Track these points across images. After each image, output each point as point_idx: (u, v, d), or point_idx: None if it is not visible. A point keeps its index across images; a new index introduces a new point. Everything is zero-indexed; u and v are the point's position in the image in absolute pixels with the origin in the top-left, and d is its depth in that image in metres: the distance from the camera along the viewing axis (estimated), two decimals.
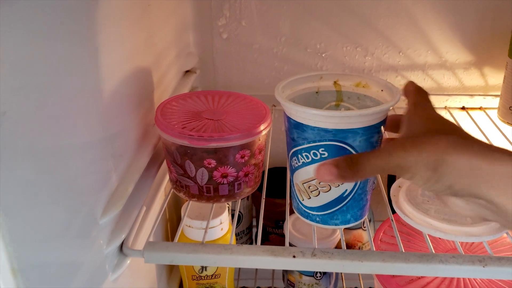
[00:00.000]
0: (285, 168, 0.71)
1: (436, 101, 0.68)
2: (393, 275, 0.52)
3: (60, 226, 0.32)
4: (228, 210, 0.59)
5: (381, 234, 0.58)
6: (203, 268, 0.58)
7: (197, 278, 0.58)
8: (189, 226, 0.56)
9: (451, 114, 0.67)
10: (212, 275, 0.58)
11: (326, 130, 0.39)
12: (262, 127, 0.46)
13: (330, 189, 0.42)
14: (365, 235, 0.68)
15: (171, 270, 0.64)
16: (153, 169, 0.50)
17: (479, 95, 0.67)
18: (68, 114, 0.32)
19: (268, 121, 0.47)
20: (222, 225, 0.56)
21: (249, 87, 0.71)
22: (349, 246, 0.68)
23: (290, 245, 0.60)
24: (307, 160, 0.41)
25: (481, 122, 0.64)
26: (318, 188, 0.42)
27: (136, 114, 0.48)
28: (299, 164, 0.42)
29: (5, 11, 0.24)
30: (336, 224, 0.44)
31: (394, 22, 0.65)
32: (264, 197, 0.52)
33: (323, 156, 0.40)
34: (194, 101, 0.51)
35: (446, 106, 0.68)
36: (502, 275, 0.39)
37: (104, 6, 0.38)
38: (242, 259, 0.41)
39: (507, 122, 0.61)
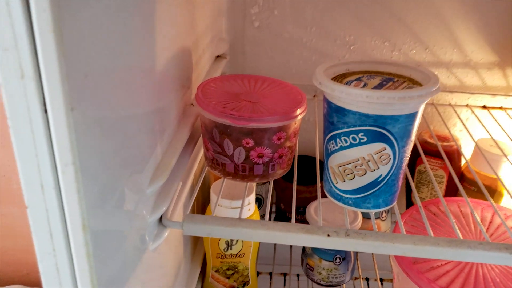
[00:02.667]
0: (307, 157, 0.73)
1: (458, 99, 0.70)
2: (414, 262, 0.53)
3: (118, 192, 0.34)
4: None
5: (403, 223, 0.59)
6: (229, 246, 0.59)
7: (221, 256, 0.60)
8: (219, 205, 0.57)
9: (472, 111, 0.68)
10: (236, 254, 0.60)
11: (367, 116, 0.40)
12: (298, 112, 0.47)
13: (365, 173, 0.43)
14: (383, 225, 0.70)
15: (195, 247, 0.66)
16: (189, 146, 0.52)
17: (501, 95, 0.69)
18: (128, 87, 0.34)
19: (304, 106, 0.49)
20: (250, 205, 0.58)
21: (276, 75, 0.72)
22: None
23: None
24: (345, 144, 0.43)
25: (502, 122, 0.66)
26: (353, 172, 0.44)
27: (178, 92, 0.49)
28: (337, 147, 0.44)
29: None
30: (367, 208, 0.46)
31: (423, 19, 0.67)
32: (295, 183, 0.53)
33: (362, 140, 0.42)
34: (231, 83, 0.53)
35: (467, 104, 0.70)
36: None
37: None
38: (277, 235, 0.43)
39: None
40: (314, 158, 0.72)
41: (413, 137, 0.43)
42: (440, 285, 0.51)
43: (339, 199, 0.46)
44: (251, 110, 0.47)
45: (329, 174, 0.46)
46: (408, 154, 0.44)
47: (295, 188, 0.52)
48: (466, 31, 0.67)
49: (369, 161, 0.43)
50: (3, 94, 0.23)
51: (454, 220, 0.48)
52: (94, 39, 0.27)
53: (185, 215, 0.44)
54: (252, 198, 0.58)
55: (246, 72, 0.73)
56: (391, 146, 0.42)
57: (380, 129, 0.41)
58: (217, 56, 0.71)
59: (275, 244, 0.78)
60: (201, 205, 0.70)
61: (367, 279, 0.78)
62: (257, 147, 0.47)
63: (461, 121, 0.67)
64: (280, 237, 0.43)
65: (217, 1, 0.66)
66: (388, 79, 0.44)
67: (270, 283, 0.75)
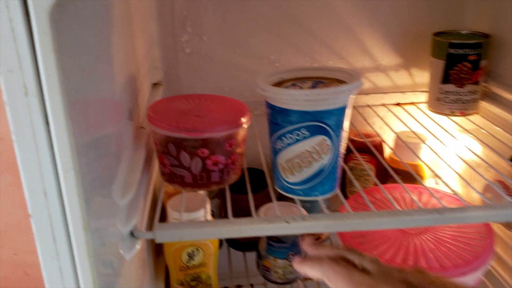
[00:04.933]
0: (249, 168, 0.78)
1: (374, 100, 0.80)
2: (360, 243, 0.60)
3: (104, 200, 0.37)
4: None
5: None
6: (191, 257, 0.62)
7: (184, 268, 0.63)
8: (177, 219, 0.61)
9: (388, 109, 0.78)
10: (199, 264, 0.63)
11: (307, 113, 0.47)
12: (244, 120, 0.53)
13: (311, 164, 0.50)
14: None
15: (157, 264, 0.68)
16: (146, 165, 0.55)
17: (410, 91, 0.79)
18: (99, 109, 0.38)
19: (248, 114, 0.54)
20: (207, 215, 0.62)
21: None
22: (315, 236, 0.75)
23: None
24: (291, 141, 0.49)
25: (414, 115, 0.76)
26: (301, 164, 0.50)
27: (131, 115, 0.53)
28: (283, 145, 0.50)
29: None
30: (316, 195, 0.52)
31: (334, 33, 0.76)
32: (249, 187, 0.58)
33: (305, 135, 0.48)
34: (178, 103, 0.57)
35: (383, 103, 0.79)
36: (455, 221, 0.48)
37: (111, 14, 0.44)
38: (243, 229, 0.47)
39: (436, 111, 0.74)
40: (255, 169, 0.78)
41: (346, 128, 0.51)
42: (385, 258, 0.58)
43: (290, 191, 0.52)
44: (202, 122, 0.51)
45: (278, 170, 0.52)
46: (343, 143, 0.51)
47: (250, 193, 0.57)
48: (372, 39, 0.77)
49: (313, 152, 0.49)
50: (8, 112, 0.26)
51: (390, 197, 0.55)
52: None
53: (155, 224, 0.47)
54: (208, 207, 0.62)
55: None
56: (330, 137, 0.48)
57: (319, 123, 0.47)
58: (154, 84, 0.75)
59: (229, 259, 0.82)
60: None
61: None
62: (212, 156, 0.52)
63: (380, 118, 0.77)
64: (246, 230, 0.48)
65: (150, 31, 0.71)
66: (318, 82, 0.51)
67: None
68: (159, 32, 0.74)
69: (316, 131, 0.48)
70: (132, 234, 0.47)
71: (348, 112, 0.49)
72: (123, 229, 0.44)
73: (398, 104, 0.80)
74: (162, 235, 0.46)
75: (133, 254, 0.46)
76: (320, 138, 0.48)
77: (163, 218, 0.65)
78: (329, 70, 0.53)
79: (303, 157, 0.49)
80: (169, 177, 0.54)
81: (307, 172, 0.50)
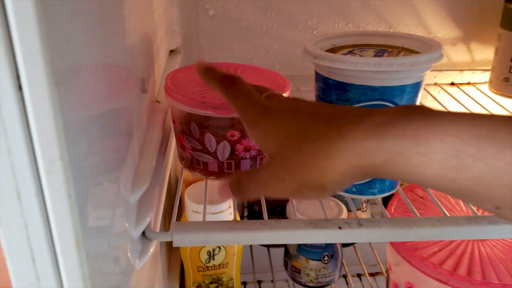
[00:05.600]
0: None
1: (427, 78, 0.68)
2: (415, 249, 0.50)
3: (103, 200, 0.27)
4: None
5: (392, 209, 0.56)
6: (211, 257, 0.53)
7: (203, 269, 0.54)
8: (196, 212, 0.51)
9: (442, 88, 0.67)
10: (220, 265, 0.54)
11: (373, 88, 0.36)
12: (285, 96, 0.43)
13: None
14: (364, 216, 0.67)
15: (170, 262, 0.59)
16: (161, 148, 0.46)
17: (468, 69, 0.68)
18: (95, 83, 0.27)
19: (289, 90, 0.44)
20: (231, 209, 0.52)
21: None
22: None
23: None
24: None
25: (473, 96, 0.65)
26: None
27: (144, 86, 0.42)
28: None
29: None
30: (373, 194, 0.42)
31: None
32: None
33: None
34: None
35: (436, 83, 0.69)
36: None
37: None
38: (284, 234, 0.37)
39: (501, 94, 0.62)
40: None
41: None
42: (446, 269, 0.48)
43: None
44: None
45: None
46: None
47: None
48: (428, 7, 0.65)
49: None
50: None
51: (437, 201, 0.45)
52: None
53: (172, 224, 0.37)
54: (234, 200, 0.52)
55: None
56: None
57: (387, 102, 0.37)
58: (171, 51, 0.65)
59: (251, 251, 0.72)
60: (166, 215, 0.62)
61: (358, 275, 0.74)
62: (243, 140, 0.41)
63: (433, 97, 0.66)
64: (286, 236, 0.38)
65: None
66: (382, 50, 0.40)
67: None
68: None
69: None
70: (144, 235, 0.37)
71: (422, 90, 0.39)
72: (134, 230, 0.35)
73: (453, 84, 0.69)
74: (181, 238, 0.37)
75: (146, 261, 0.37)
76: None
77: (179, 212, 0.55)
78: (395, 37, 0.42)
79: None
80: (190, 163, 0.44)
81: None
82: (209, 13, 0.65)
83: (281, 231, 0.37)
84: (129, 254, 0.35)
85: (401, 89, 0.36)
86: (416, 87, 0.37)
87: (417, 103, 0.39)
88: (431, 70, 0.68)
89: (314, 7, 0.65)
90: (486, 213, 0.47)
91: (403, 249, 0.50)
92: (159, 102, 0.49)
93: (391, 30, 0.67)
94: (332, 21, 0.66)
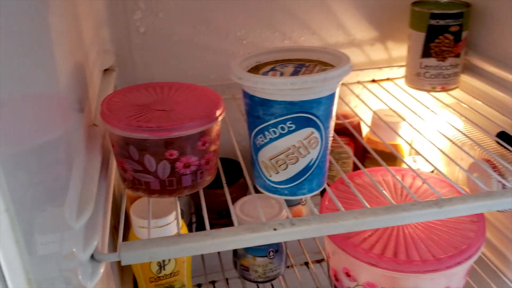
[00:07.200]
0: (222, 159, 0.72)
1: (349, 77, 0.74)
2: (348, 237, 0.55)
3: (46, 232, 0.29)
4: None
5: (327, 202, 0.61)
6: (161, 267, 0.56)
7: (155, 279, 0.56)
8: (142, 227, 0.53)
9: (365, 86, 0.73)
10: (171, 273, 0.56)
11: (293, 103, 0.40)
12: (218, 113, 0.46)
13: (297, 160, 0.43)
14: (305, 210, 0.71)
15: (123, 277, 0.61)
16: (102, 171, 0.48)
17: (386, 67, 0.74)
18: (27, 116, 0.29)
19: (222, 106, 0.47)
20: (178, 220, 0.55)
21: (172, 80, 0.69)
22: None
23: None
24: (275, 136, 0.42)
25: (392, 91, 0.71)
26: (286, 162, 0.43)
27: (79, 113, 0.44)
28: (266, 140, 0.43)
29: None
30: (303, 194, 0.46)
31: (306, 5, 0.69)
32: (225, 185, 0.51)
33: (290, 129, 0.42)
34: (137, 94, 0.49)
35: (358, 81, 0.74)
36: (456, 213, 0.44)
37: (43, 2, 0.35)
38: (224, 242, 0.41)
39: (415, 87, 0.69)
40: (227, 159, 0.71)
41: (334, 117, 0.44)
42: (375, 252, 0.53)
43: (275, 191, 0.46)
44: (168, 119, 0.44)
45: (260, 168, 0.46)
46: (331, 134, 0.45)
47: (227, 191, 0.50)
48: (347, 12, 0.70)
49: (299, 147, 0.43)
50: None
51: (382, 188, 0.51)
52: None
53: (119, 245, 0.40)
54: (178, 212, 0.55)
55: (138, 82, 0.69)
56: (318, 129, 0.42)
57: (306, 114, 0.41)
58: (105, 70, 0.66)
59: (202, 255, 0.76)
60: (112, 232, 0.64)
61: (306, 263, 0.79)
62: (182, 157, 0.44)
63: (356, 96, 0.71)
64: (226, 243, 0.41)
65: (96, 10, 0.62)
66: (301, 65, 0.44)
67: None
68: (107, 10, 0.64)
69: (303, 123, 0.41)
70: (93, 258, 0.39)
71: (336, 99, 0.43)
72: (82, 254, 0.37)
73: (374, 81, 0.74)
74: (129, 256, 0.39)
75: (97, 281, 0.39)
76: (307, 131, 0.42)
77: (126, 227, 0.57)
78: (311, 51, 0.46)
79: (289, 153, 0.43)
80: (133, 184, 0.46)
81: (294, 170, 0.44)
82: (140, 30, 0.67)
83: (222, 239, 0.41)
84: (79, 277, 0.37)
85: (318, 101, 0.41)
86: (331, 98, 0.42)
87: (334, 111, 0.43)
88: (354, 70, 0.73)
89: (241, 19, 0.68)
90: (401, 202, 0.53)
91: (338, 239, 0.55)
92: (96, 125, 0.51)
93: (314, 35, 0.71)
94: (259, 31, 0.69)
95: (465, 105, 0.67)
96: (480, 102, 0.66)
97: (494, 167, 0.61)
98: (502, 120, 0.62)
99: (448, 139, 0.61)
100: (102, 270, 0.40)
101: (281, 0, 0.68)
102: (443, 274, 0.52)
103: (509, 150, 0.57)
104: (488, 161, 0.61)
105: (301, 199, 0.71)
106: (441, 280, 0.54)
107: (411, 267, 0.51)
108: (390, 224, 0.44)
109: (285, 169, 0.44)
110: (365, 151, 0.73)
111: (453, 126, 0.64)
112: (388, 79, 0.74)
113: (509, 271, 0.68)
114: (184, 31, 0.67)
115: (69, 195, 0.36)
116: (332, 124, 0.44)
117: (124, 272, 0.61)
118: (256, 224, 0.42)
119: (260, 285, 0.76)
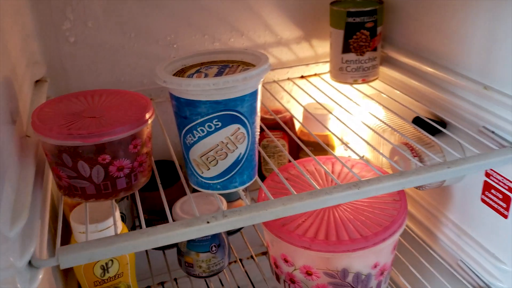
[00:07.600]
0: (158, 162, 0.73)
1: (280, 75, 0.78)
2: (283, 225, 0.58)
3: None
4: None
5: (263, 194, 0.64)
6: (105, 270, 0.57)
7: (100, 283, 0.57)
8: (82, 232, 0.54)
9: (294, 82, 0.77)
10: (115, 276, 0.58)
11: (217, 102, 0.43)
12: (147, 116, 0.48)
13: (226, 156, 0.46)
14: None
15: (66, 283, 0.62)
16: (37, 180, 0.48)
17: (313, 63, 0.78)
18: None
19: (152, 109, 0.49)
20: (117, 223, 0.56)
21: (106, 88, 0.70)
22: None
23: None
24: (203, 134, 0.45)
25: (319, 86, 0.76)
26: (216, 158, 0.46)
27: (9, 126, 0.45)
28: (195, 139, 0.45)
29: None
30: (235, 187, 0.49)
31: (233, 9, 0.72)
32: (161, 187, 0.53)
33: (217, 126, 0.44)
34: (68, 103, 0.50)
35: (288, 78, 0.78)
36: (373, 192, 0.48)
37: None
38: (160, 238, 0.43)
39: (339, 81, 0.74)
40: (164, 161, 0.73)
41: (259, 112, 0.48)
42: (308, 236, 0.57)
43: (208, 187, 0.48)
44: (99, 125, 0.45)
45: (192, 166, 0.48)
46: (258, 129, 0.48)
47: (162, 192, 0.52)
48: (272, 14, 0.74)
49: (227, 143, 0.45)
50: None
51: (308, 176, 0.54)
52: None
53: (57, 249, 0.41)
54: (117, 215, 0.56)
55: (72, 91, 0.70)
56: (244, 125, 0.45)
57: (231, 111, 0.44)
58: (37, 81, 0.66)
59: (148, 256, 0.77)
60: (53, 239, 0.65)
61: (252, 257, 0.82)
62: (115, 161, 0.46)
63: (287, 92, 0.75)
64: (162, 239, 0.43)
65: (23, 22, 0.62)
66: (224, 66, 0.47)
67: None
68: (35, 21, 0.65)
69: (228, 120, 0.44)
70: (30, 264, 0.40)
71: (260, 95, 0.47)
72: (19, 261, 0.38)
73: (302, 77, 0.79)
74: (67, 259, 0.41)
75: (36, 286, 0.40)
76: (233, 127, 0.45)
77: (68, 234, 0.58)
78: (234, 53, 0.49)
79: (218, 149, 0.46)
80: (69, 190, 0.47)
81: (224, 165, 0.47)
82: (70, 40, 0.67)
83: (157, 235, 0.43)
84: (18, 285, 0.38)
85: (241, 99, 0.44)
86: (254, 95, 0.45)
87: (258, 107, 0.47)
88: (283, 68, 0.77)
89: (171, 23, 0.70)
90: (324, 187, 0.57)
91: (274, 227, 0.59)
92: (29, 136, 0.51)
93: (243, 37, 0.74)
94: (189, 34, 0.72)
95: (384, 95, 0.72)
96: (398, 92, 0.72)
97: (412, 150, 0.66)
98: (417, 106, 0.68)
99: (369, 127, 0.66)
100: (40, 276, 0.41)
101: (209, 4, 0.71)
102: (371, 251, 0.57)
103: (423, 133, 0.63)
104: (406, 144, 0.67)
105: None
106: (370, 257, 0.58)
107: (341, 247, 0.55)
108: (315, 207, 0.47)
109: (215, 165, 0.47)
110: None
111: (374, 115, 0.69)
112: (315, 74, 0.79)
113: (433, 243, 0.74)
114: (114, 39, 0.69)
115: (2, 206, 0.37)
116: (257, 119, 0.48)
117: (68, 278, 0.62)
118: (190, 219, 0.44)
119: (209, 281, 0.79)
